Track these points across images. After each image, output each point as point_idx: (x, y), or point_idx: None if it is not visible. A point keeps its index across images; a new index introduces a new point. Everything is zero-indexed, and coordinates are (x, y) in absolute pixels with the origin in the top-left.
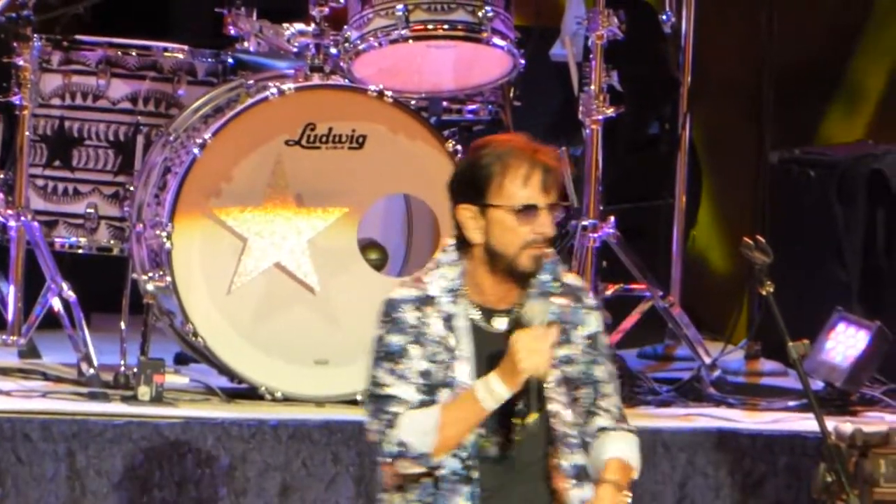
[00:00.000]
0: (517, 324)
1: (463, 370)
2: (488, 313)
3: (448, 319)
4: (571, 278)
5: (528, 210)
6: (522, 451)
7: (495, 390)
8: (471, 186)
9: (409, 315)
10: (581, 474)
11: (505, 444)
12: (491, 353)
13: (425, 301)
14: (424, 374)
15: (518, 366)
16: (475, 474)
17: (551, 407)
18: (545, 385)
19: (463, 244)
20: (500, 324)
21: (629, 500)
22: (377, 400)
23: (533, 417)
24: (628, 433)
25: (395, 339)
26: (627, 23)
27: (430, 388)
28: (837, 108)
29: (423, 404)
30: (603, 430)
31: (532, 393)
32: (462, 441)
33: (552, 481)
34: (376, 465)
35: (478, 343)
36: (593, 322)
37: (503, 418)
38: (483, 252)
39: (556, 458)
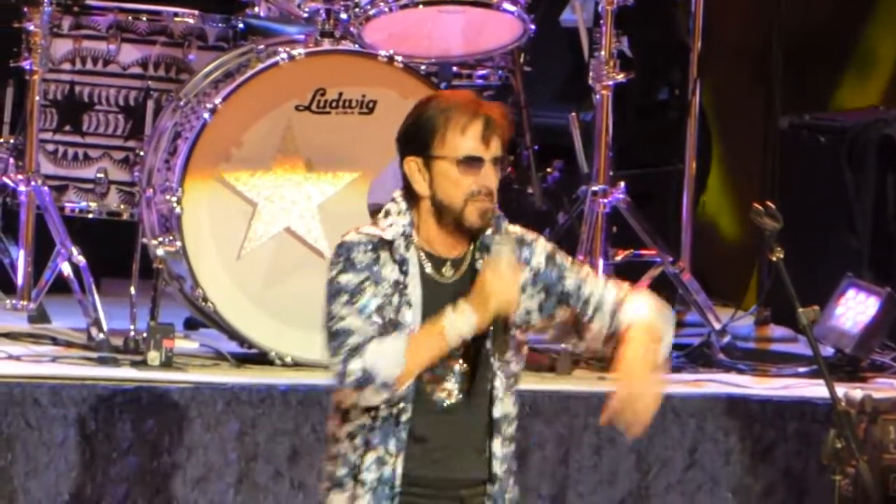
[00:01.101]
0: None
1: (411, 315)
2: (437, 262)
3: (401, 263)
4: (513, 228)
5: (470, 161)
6: (472, 396)
7: (462, 325)
8: (416, 139)
9: (363, 256)
10: (495, 427)
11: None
12: (438, 302)
13: (380, 244)
14: (379, 309)
15: (486, 301)
16: (405, 417)
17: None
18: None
19: (410, 196)
20: (449, 273)
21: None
22: (336, 335)
23: (501, 349)
24: (633, 296)
25: (350, 278)
26: None
27: (384, 326)
28: (850, 75)
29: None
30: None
31: (497, 329)
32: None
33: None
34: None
35: (426, 291)
36: (539, 250)
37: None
38: (430, 204)
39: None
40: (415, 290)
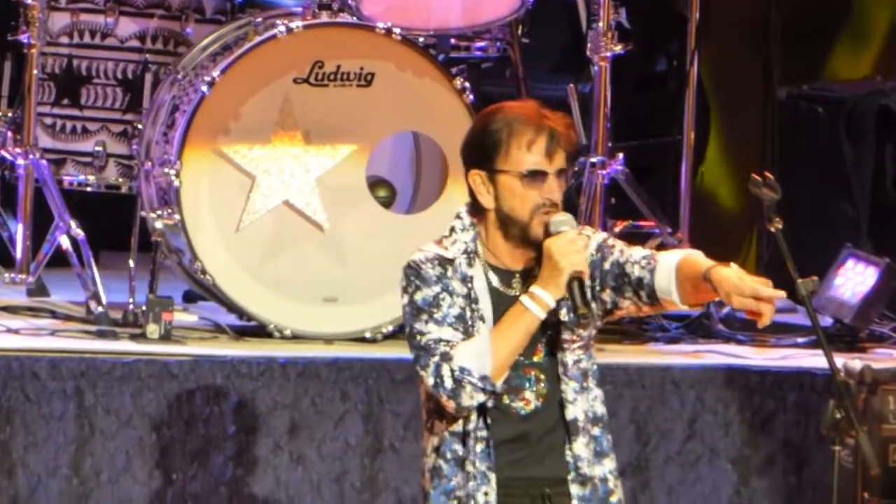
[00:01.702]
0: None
1: (486, 329)
2: (505, 275)
3: (466, 280)
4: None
5: (534, 175)
6: (548, 402)
7: (541, 297)
8: (480, 152)
9: (433, 271)
10: (571, 429)
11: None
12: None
13: (445, 262)
14: (459, 317)
15: (558, 265)
16: (486, 431)
17: (562, 365)
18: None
19: (476, 209)
20: (517, 285)
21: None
22: (423, 349)
23: (583, 311)
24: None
25: (425, 293)
26: None
27: (468, 334)
28: (844, 44)
29: None
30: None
31: (576, 292)
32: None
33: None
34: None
35: (496, 304)
36: (594, 243)
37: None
38: (495, 217)
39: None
40: (486, 305)
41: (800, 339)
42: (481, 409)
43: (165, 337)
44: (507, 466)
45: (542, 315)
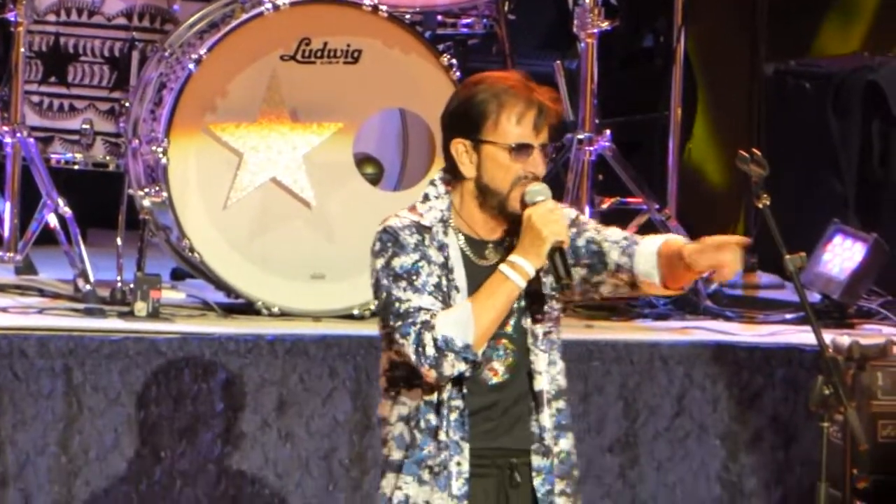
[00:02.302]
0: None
1: (461, 298)
2: (478, 245)
3: (442, 248)
4: None
5: (521, 148)
6: (515, 372)
7: (522, 266)
8: (466, 121)
9: (411, 238)
10: (539, 400)
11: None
12: (480, 284)
13: (422, 229)
14: (437, 286)
15: (540, 234)
16: (460, 400)
17: (530, 336)
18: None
19: (452, 177)
20: (491, 255)
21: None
22: (403, 315)
23: (567, 281)
24: (638, 244)
25: (405, 260)
26: None
27: (446, 303)
28: (833, 20)
29: None
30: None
31: (558, 262)
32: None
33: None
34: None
35: (469, 273)
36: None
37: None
38: (474, 186)
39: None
40: (460, 274)
41: (788, 315)
42: (456, 379)
43: (153, 314)
44: (479, 436)
45: (523, 284)
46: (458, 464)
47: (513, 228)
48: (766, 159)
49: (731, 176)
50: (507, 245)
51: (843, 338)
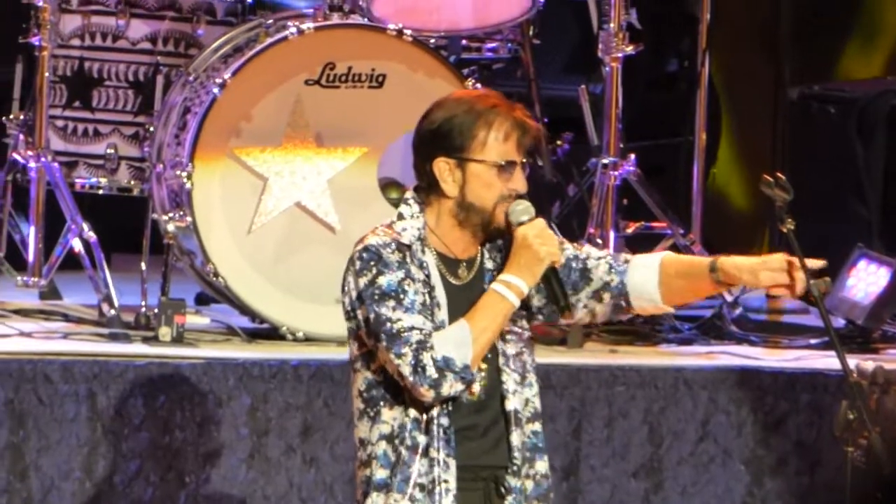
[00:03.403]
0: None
1: (442, 315)
2: (452, 264)
3: (422, 266)
4: None
5: (507, 166)
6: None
7: (517, 286)
8: (449, 140)
9: (393, 256)
10: (513, 419)
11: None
12: (457, 302)
13: (402, 247)
14: (424, 304)
15: (537, 255)
16: (444, 418)
17: (502, 355)
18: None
19: (428, 196)
20: (464, 274)
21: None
22: (395, 336)
23: (565, 303)
24: (630, 260)
25: (390, 278)
26: None
27: (433, 321)
28: (856, 43)
29: None
30: (617, 271)
31: (554, 283)
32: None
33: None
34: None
35: (447, 292)
36: None
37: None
38: (454, 205)
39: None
40: (440, 292)
41: (812, 340)
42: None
43: (178, 339)
44: (463, 454)
45: (517, 303)
46: (446, 481)
47: (487, 246)
48: (791, 183)
49: (756, 200)
50: (478, 264)
51: (868, 363)
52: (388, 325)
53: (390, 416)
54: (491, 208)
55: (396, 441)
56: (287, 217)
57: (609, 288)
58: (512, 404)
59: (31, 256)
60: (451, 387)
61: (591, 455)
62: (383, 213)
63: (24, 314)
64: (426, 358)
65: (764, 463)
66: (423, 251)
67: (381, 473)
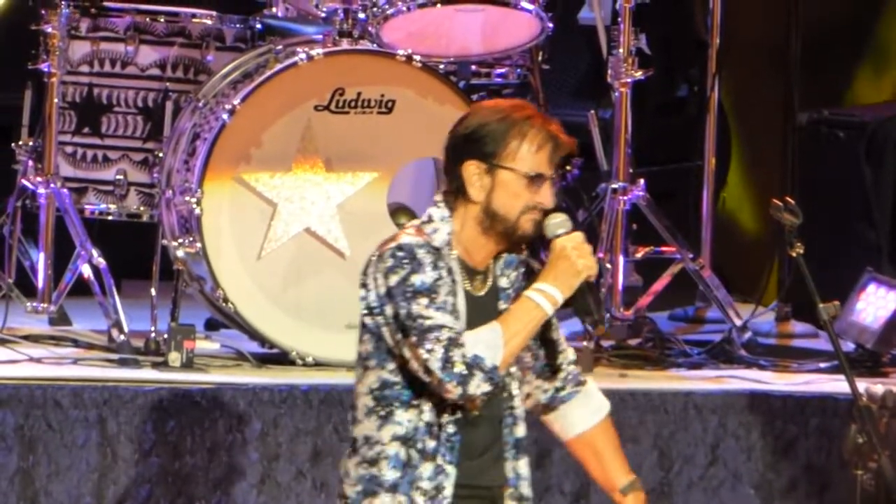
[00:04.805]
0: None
1: (460, 326)
2: (471, 273)
3: (450, 272)
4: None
5: (537, 178)
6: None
7: (553, 296)
8: (482, 145)
9: (427, 255)
10: (519, 446)
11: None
12: (473, 313)
13: (433, 249)
14: (454, 307)
15: (575, 266)
16: (456, 427)
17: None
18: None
19: (455, 200)
20: (479, 286)
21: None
22: (426, 331)
23: (598, 317)
24: (587, 382)
25: (422, 277)
26: None
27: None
28: (866, 69)
29: None
30: (562, 389)
31: (589, 298)
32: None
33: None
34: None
35: (467, 300)
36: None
37: None
38: (480, 211)
39: (503, 427)
40: (461, 300)
41: (822, 364)
42: (452, 405)
43: (187, 365)
44: (463, 468)
45: (551, 312)
46: (445, 488)
47: (500, 264)
48: (800, 208)
49: (765, 225)
50: (492, 280)
51: (877, 386)
52: (420, 321)
53: (405, 418)
54: (515, 218)
55: (408, 443)
56: (296, 243)
57: (539, 376)
58: (521, 431)
59: (40, 282)
60: (478, 386)
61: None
62: None
63: (33, 340)
64: (456, 354)
65: (774, 487)
66: (449, 255)
67: (392, 474)
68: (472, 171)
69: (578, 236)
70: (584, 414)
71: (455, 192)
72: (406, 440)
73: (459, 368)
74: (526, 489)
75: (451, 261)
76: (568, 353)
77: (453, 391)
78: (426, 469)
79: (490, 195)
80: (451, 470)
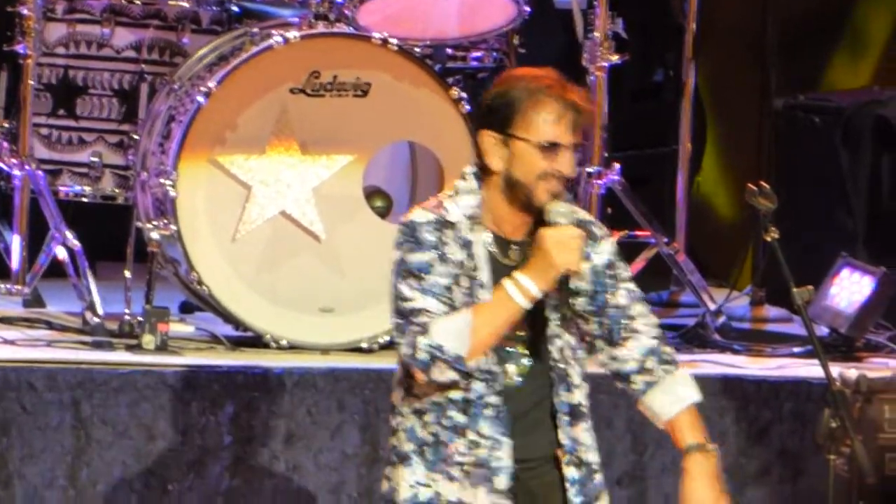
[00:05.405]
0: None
1: (486, 296)
2: (503, 244)
3: (467, 246)
4: (583, 214)
5: (552, 147)
6: (529, 379)
7: (527, 289)
8: (498, 114)
9: (430, 235)
10: (575, 412)
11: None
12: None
13: (445, 225)
14: (448, 289)
15: (553, 262)
16: (492, 398)
17: (552, 345)
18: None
19: (482, 172)
20: (514, 255)
21: (716, 449)
22: (404, 314)
23: (564, 311)
24: (676, 371)
25: (419, 257)
26: None
27: (453, 307)
28: (842, 55)
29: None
30: (646, 372)
31: (563, 291)
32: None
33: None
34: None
35: (494, 272)
36: (605, 251)
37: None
38: (501, 180)
39: (554, 395)
40: (486, 272)
41: (796, 349)
42: (487, 377)
43: (161, 347)
44: (516, 434)
45: (527, 305)
46: (499, 458)
47: (535, 230)
48: (776, 193)
49: (740, 209)
50: (528, 247)
51: (851, 371)
52: (402, 303)
53: (422, 392)
54: (533, 185)
55: (428, 417)
56: (271, 225)
57: (620, 377)
58: (563, 396)
59: (14, 264)
60: (441, 373)
61: None
62: (368, 222)
63: (7, 322)
64: (421, 342)
65: (747, 471)
66: (472, 229)
67: (407, 447)
68: (489, 141)
69: (568, 230)
70: (663, 403)
71: (480, 164)
72: (421, 414)
73: (422, 356)
74: (588, 455)
75: (472, 233)
76: (643, 342)
77: (419, 376)
78: (461, 444)
79: (509, 165)
80: (504, 440)
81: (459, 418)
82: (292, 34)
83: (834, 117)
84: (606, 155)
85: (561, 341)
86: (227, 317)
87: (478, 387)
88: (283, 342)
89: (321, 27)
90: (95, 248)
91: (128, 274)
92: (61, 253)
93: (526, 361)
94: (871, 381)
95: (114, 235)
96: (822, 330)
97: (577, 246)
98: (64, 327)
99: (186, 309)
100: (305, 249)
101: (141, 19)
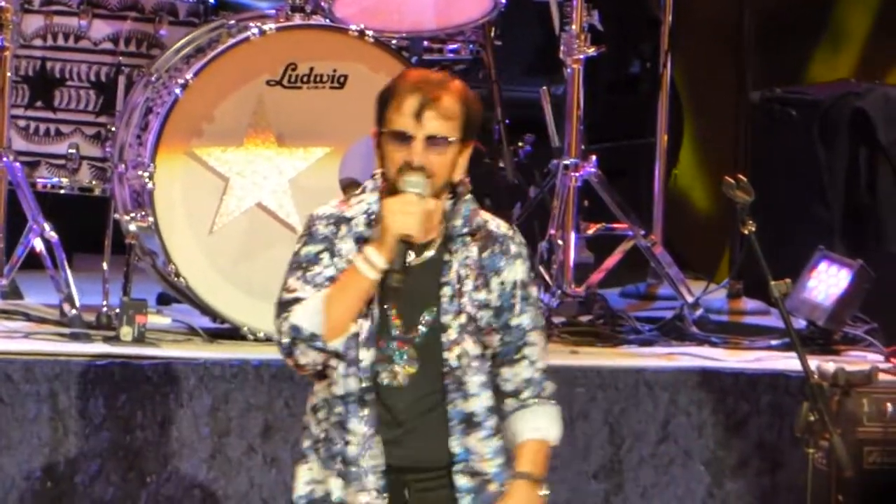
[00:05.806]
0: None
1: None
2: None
3: (360, 241)
4: (496, 224)
5: (398, 137)
6: (417, 383)
7: (370, 258)
8: (377, 113)
9: (325, 228)
10: (469, 421)
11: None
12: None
13: (341, 220)
14: (331, 279)
15: (388, 226)
16: (370, 397)
17: (450, 352)
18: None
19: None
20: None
21: (545, 494)
22: (282, 305)
23: (396, 279)
24: (547, 404)
25: (309, 249)
26: None
27: None
28: (823, 49)
29: None
30: (520, 396)
31: (396, 255)
32: (351, 323)
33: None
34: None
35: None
36: (517, 271)
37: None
38: (385, 178)
39: (448, 402)
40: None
41: (773, 342)
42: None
43: (139, 339)
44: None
45: (373, 276)
46: (373, 457)
47: (455, 244)
48: (753, 186)
49: (717, 202)
50: (435, 249)
51: (829, 364)
52: (283, 293)
53: (318, 388)
54: (395, 178)
55: (320, 414)
56: (248, 217)
57: (498, 392)
58: (476, 404)
59: None
60: (302, 353)
61: (552, 456)
62: None
63: None
64: (284, 325)
65: (725, 464)
66: (368, 224)
67: (305, 444)
68: (376, 140)
69: (405, 196)
70: (522, 428)
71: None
72: (316, 410)
73: (285, 339)
74: (483, 465)
75: (367, 230)
76: (527, 372)
77: (288, 361)
78: (334, 436)
79: (383, 161)
80: (376, 439)
81: (342, 416)
82: (269, 26)
83: (811, 110)
84: (583, 147)
85: (459, 349)
86: (205, 308)
87: (352, 383)
88: (261, 334)
89: (297, 19)
90: (73, 239)
91: (105, 266)
92: (39, 245)
93: (414, 364)
94: (849, 374)
95: (91, 227)
96: (799, 323)
97: (413, 211)
98: (41, 319)
99: (164, 301)
100: (282, 241)
101: (118, 11)
